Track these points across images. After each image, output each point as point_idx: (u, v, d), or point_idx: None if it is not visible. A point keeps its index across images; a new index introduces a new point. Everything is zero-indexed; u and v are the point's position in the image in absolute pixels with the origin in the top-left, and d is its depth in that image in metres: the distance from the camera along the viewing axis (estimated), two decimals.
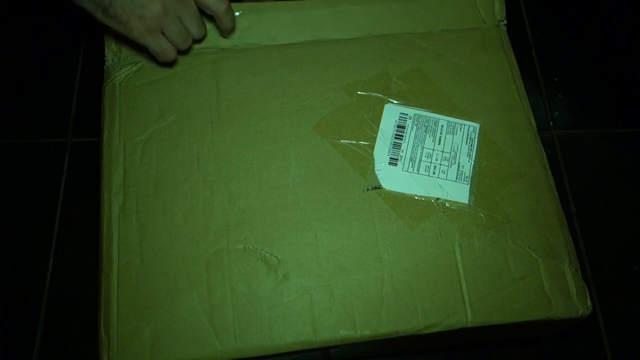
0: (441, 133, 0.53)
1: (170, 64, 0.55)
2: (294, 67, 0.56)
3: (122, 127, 0.53)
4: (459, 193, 0.50)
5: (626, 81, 0.79)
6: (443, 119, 0.54)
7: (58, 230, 0.65)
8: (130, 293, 0.46)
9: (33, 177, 0.68)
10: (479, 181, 0.51)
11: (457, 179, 0.51)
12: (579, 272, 0.49)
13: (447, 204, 0.50)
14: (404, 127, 0.53)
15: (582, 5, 0.85)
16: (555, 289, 0.47)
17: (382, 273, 0.47)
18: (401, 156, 0.52)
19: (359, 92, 0.55)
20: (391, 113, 0.54)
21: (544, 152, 0.54)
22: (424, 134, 0.53)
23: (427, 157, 0.52)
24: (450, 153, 0.52)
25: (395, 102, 0.54)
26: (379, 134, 0.53)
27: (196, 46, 0.56)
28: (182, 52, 0.55)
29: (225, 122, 0.53)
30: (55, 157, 0.69)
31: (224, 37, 0.57)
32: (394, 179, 0.51)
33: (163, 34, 0.51)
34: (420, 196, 0.50)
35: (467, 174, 0.51)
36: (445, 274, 0.47)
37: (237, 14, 0.57)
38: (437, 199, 0.50)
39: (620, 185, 0.71)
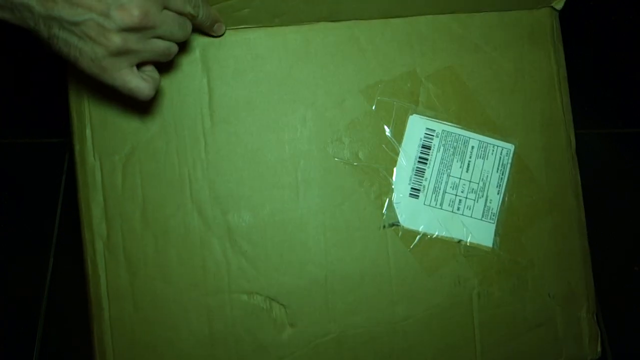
0: (471, 157, 0.47)
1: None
2: (304, 59, 0.46)
3: (96, 139, 0.44)
4: (484, 234, 0.46)
5: (626, 81, 0.76)
6: (474, 138, 0.47)
7: (58, 230, 0.64)
8: (125, 343, 0.43)
9: (33, 177, 0.67)
10: (506, 219, 0.46)
11: (483, 216, 0.46)
12: (595, 316, 0.47)
13: (469, 247, 0.45)
14: (429, 148, 0.46)
15: (582, 5, 0.79)
16: (568, 337, 0.46)
17: (394, 324, 0.45)
18: (424, 186, 0.46)
19: (379, 98, 0.46)
20: (416, 128, 0.46)
21: (579, 178, 0.48)
22: (452, 157, 0.46)
23: (453, 189, 0.46)
24: (478, 184, 0.46)
25: (421, 114, 0.46)
26: (400, 155, 0.46)
27: None
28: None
29: (220, 134, 0.45)
30: (55, 157, 0.68)
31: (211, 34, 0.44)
32: (414, 214, 0.45)
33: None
34: (441, 236, 0.45)
35: (494, 211, 0.46)
36: (460, 324, 0.45)
37: None
38: (459, 240, 0.46)
39: (620, 185, 0.70)
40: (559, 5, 0.49)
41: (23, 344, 0.58)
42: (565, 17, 0.74)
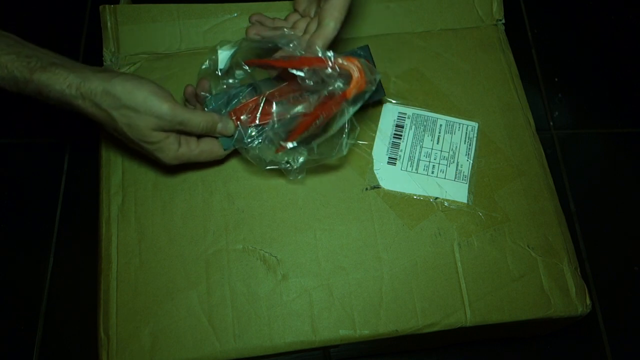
0: (440, 132, 0.53)
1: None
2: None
3: None
4: (458, 192, 0.50)
5: (626, 81, 0.79)
6: (442, 119, 0.54)
7: (58, 230, 0.65)
8: (129, 293, 0.46)
9: (33, 177, 0.68)
10: (478, 180, 0.51)
11: (455, 178, 0.51)
12: (578, 270, 0.49)
13: (445, 203, 0.50)
14: (402, 127, 0.53)
15: (582, 5, 0.85)
16: (554, 288, 0.47)
17: (381, 272, 0.47)
18: (400, 155, 0.52)
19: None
20: (390, 112, 0.54)
21: (543, 151, 0.54)
22: (423, 133, 0.53)
23: (426, 157, 0.52)
24: (449, 152, 0.52)
25: (393, 101, 0.54)
26: (377, 133, 0.53)
27: (193, 46, 0.57)
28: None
29: None
30: (55, 157, 0.69)
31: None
32: (392, 178, 0.51)
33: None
34: (419, 195, 0.50)
35: (465, 173, 0.51)
36: (444, 273, 0.47)
37: (234, 15, 0.57)
38: (436, 198, 0.50)
39: (620, 185, 0.71)
40: (502, 21, 0.60)
41: (23, 344, 0.58)
42: (565, 17, 0.81)
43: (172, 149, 0.44)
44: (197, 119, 0.44)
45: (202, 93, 0.48)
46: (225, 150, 0.47)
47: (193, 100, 0.50)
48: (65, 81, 0.41)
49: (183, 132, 0.45)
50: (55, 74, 0.40)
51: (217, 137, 0.47)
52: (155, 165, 0.51)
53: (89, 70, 0.42)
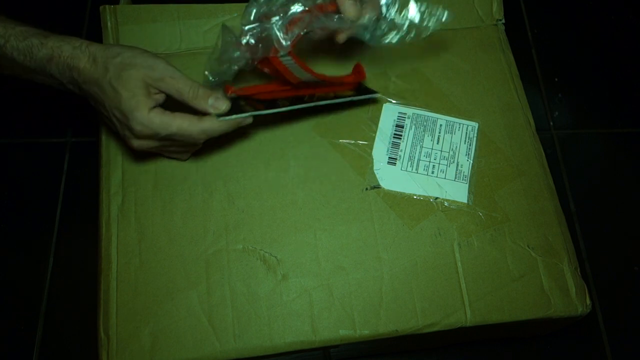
0: (440, 132, 0.53)
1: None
2: None
3: None
4: (458, 192, 0.50)
5: (626, 81, 0.79)
6: (442, 119, 0.54)
7: (58, 230, 0.65)
8: (129, 293, 0.46)
9: (33, 177, 0.68)
10: (478, 180, 0.51)
11: (456, 178, 0.51)
12: (578, 270, 0.49)
13: (445, 203, 0.50)
14: (402, 127, 0.53)
15: (582, 5, 0.85)
16: (554, 288, 0.47)
17: (381, 272, 0.47)
18: (400, 155, 0.52)
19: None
20: (390, 112, 0.54)
21: (543, 151, 0.54)
22: (423, 133, 0.53)
23: (426, 157, 0.52)
24: (449, 152, 0.52)
25: (393, 101, 0.54)
26: (377, 133, 0.53)
27: (193, 46, 0.57)
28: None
29: None
30: (55, 157, 0.69)
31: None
32: (392, 178, 0.51)
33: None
34: (419, 195, 0.50)
35: (465, 173, 0.51)
36: (444, 273, 0.47)
37: (234, 15, 0.57)
38: (436, 198, 0.50)
39: (620, 185, 0.71)
40: (502, 21, 0.60)
41: (23, 344, 0.58)
42: (565, 17, 0.82)
43: (146, 106, 0.42)
44: (187, 78, 0.44)
45: (206, 72, 0.47)
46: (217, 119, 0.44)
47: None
48: (77, 42, 0.43)
49: (169, 93, 0.43)
50: (69, 37, 0.43)
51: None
52: (155, 165, 0.51)
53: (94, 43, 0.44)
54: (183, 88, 0.43)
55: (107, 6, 0.56)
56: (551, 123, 0.76)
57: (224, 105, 0.44)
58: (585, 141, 0.75)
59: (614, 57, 0.80)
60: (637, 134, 0.75)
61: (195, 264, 0.47)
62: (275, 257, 0.47)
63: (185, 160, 0.50)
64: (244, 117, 0.45)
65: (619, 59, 0.80)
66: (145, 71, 0.42)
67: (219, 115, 0.44)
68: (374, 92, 0.51)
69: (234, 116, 0.44)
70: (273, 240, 0.48)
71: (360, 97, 0.51)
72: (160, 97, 0.44)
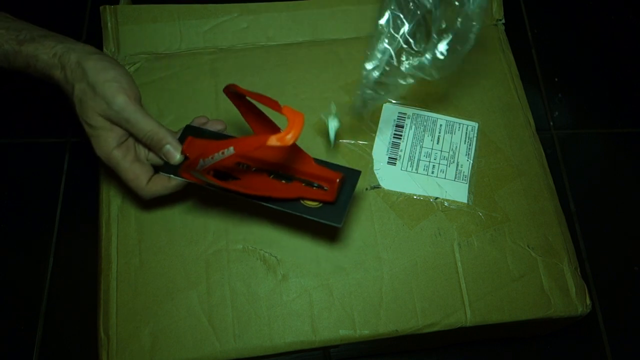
0: (440, 132, 0.53)
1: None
2: (292, 67, 0.56)
3: None
4: (458, 192, 0.50)
5: (626, 81, 0.79)
6: (442, 119, 0.54)
7: (58, 230, 0.65)
8: (129, 293, 0.46)
9: (33, 177, 0.68)
10: (478, 180, 0.51)
11: (455, 178, 0.51)
12: (578, 270, 0.48)
13: (446, 203, 0.50)
14: (402, 127, 0.53)
15: (582, 5, 0.85)
16: (554, 288, 0.47)
17: (381, 272, 0.47)
18: (400, 155, 0.52)
19: (357, 92, 0.55)
20: (390, 112, 0.54)
21: (543, 151, 0.54)
22: (423, 133, 0.53)
23: (426, 157, 0.52)
24: (449, 152, 0.52)
25: (393, 101, 0.54)
26: (377, 133, 0.53)
27: (193, 46, 0.57)
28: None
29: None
30: (55, 157, 0.68)
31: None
32: (392, 178, 0.51)
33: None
34: (419, 195, 0.50)
35: (465, 173, 0.51)
36: (444, 273, 0.47)
37: (234, 15, 0.57)
38: (436, 198, 0.50)
39: (620, 185, 0.71)
40: (502, 21, 0.60)
41: (23, 344, 0.58)
42: (565, 17, 0.82)
43: (109, 144, 0.41)
44: (145, 123, 0.41)
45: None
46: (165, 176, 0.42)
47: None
48: (51, 50, 0.40)
49: (130, 133, 0.42)
50: (43, 45, 0.40)
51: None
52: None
53: (78, 44, 0.41)
54: (138, 133, 0.41)
55: (107, 6, 0.56)
56: (551, 123, 0.76)
57: (176, 156, 0.42)
58: (585, 141, 0.74)
59: (614, 57, 0.80)
60: (637, 134, 0.75)
61: (195, 264, 0.47)
62: (275, 257, 0.47)
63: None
64: (180, 182, 0.42)
65: (619, 59, 0.80)
66: (103, 106, 0.40)
67: (167, 167, 0.42)
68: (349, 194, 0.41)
69: (173, 178, 0.42)
70: (273, 240, 0.48)
71: (325, 220, 0.40)
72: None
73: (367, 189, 0.50)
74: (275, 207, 0.40)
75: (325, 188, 0.41)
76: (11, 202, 0.66)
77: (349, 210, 0.42)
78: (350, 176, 0.41)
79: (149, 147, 0.43)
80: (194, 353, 0.44)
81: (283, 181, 0.42)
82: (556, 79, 0.80)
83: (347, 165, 0.42)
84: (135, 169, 0.42)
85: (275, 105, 0.35)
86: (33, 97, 0.71)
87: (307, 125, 0.53)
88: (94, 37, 0.76)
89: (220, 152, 0.35)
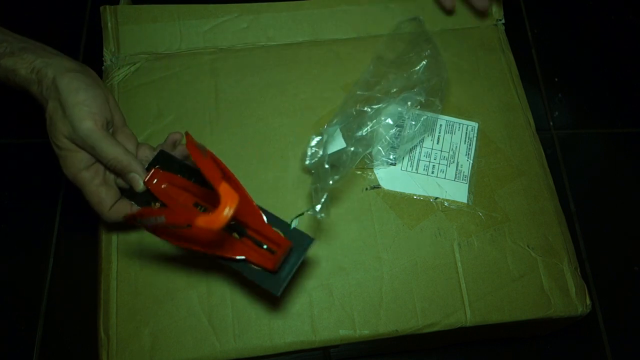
0: (440, 132, 0.53)
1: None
2: (292, 67, 0.56)
3: None
4: (458, 192, 0.50)
5: (626, 81, 0.78)
6: (442, 119, 0.54)
7: (58, 230, 0.65)
8: (129, 293, 0.46)
9: (33, 177, 0.68)
10: (478, 180, 0.51)
11: (455, 178, 0.51)
12: (578, 270, 0.48)
13: (445, 203, 0.50)
14: (402, 127, 0.53)
15: (582, 5, 0.85)
16: (554, 288, 0.47)
17: (381, 272, 0.47)
18: (400, 156, 0.52)
19: (357, 92, 0.55)
20: (390, 112, 0.54)
21: (543, 151, 0.54)
22: (423, 133, 0.53)
23: (426, 157, 0.52)
24: (449, 152, 0.52)
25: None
26: (377, 133, 0.53)
27: (193, 46, 0.57)
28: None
29: (223, 122, 0.53)
30: (55, 157, 0.68)
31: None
32: (392, 178, 0.51)
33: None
34: (419, 195, 0.50)
35: (465, 173, 0.51)
36: (444, 273, 0.47)
37: (234, 15, 0.57)
38: (436, 198, 0.50)
39: (620, 185, 0.71)
40: (502, 22, 0.60)
41: (23, 344, 0.58)
42: (565, 17, 0.82)
43: (75, 166, 0.41)
44: (110, 151, 0.40)
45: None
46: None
47: (170, 147, 0.46)
48: (30, 65, 0.40)
49: (96, 159, 0.41)
50: (22, 59, 0.40)
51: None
52: None
53: (58, 58, 0.41)
54: (103, 160, 0.41)
55: (107, 6, 0.56)
56: (551, 123, 0.76)
57: (140, 185, 0.42)
58: (585, 141, 0.74)
59: (614, 57, 0.80)
60: (637, 134, 0.75)
61: (196, 264, 0.47)
62: None
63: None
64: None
65: (619, 59, 0.80)
66: (69, 130, 0.40)
67: (132, 193, 0.43)
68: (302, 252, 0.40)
69: (134, 206, 0.43)
70: None
71: (265, 286, 0.39)
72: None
73: (366, 189, 0.50)
74: (222, 262, 0.40)
75: (274, 251, 0.39)
76: (11, 202, 0.66)
77: (293, 279, 0.41)
78: (300, 243, 0.40)
79: (115, 173, 0.43)
80: (194, 353, 0.44)
81: (234, 234, 0.41)
82: (556, 79, 0.80)
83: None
84: (100, 192, 0.42)
85: (216, 179, 0.34)
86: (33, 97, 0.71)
87: (307, 125, 0.53)
88: (94, 37, 0.77)
89: (153, 218, 0.35)
